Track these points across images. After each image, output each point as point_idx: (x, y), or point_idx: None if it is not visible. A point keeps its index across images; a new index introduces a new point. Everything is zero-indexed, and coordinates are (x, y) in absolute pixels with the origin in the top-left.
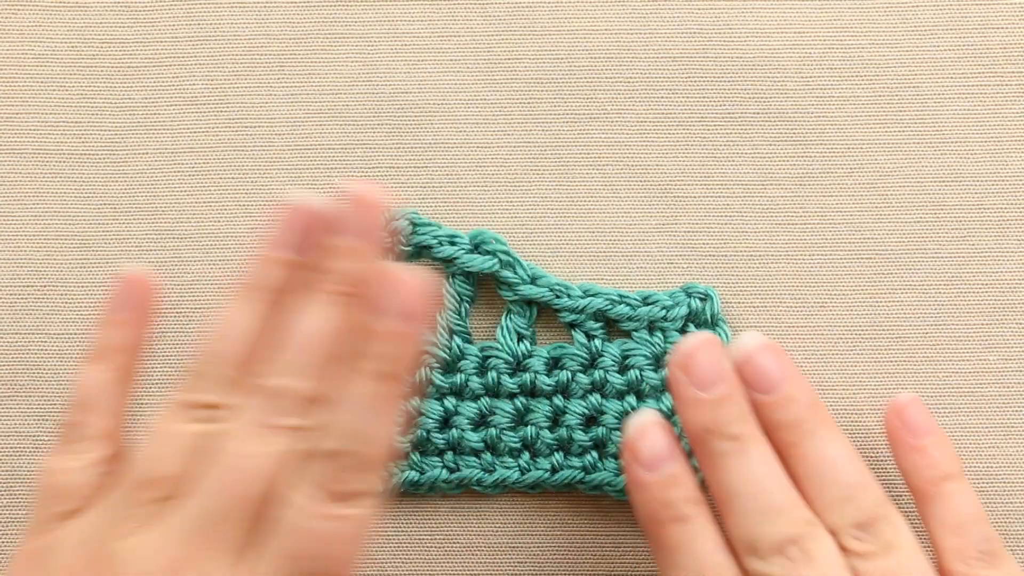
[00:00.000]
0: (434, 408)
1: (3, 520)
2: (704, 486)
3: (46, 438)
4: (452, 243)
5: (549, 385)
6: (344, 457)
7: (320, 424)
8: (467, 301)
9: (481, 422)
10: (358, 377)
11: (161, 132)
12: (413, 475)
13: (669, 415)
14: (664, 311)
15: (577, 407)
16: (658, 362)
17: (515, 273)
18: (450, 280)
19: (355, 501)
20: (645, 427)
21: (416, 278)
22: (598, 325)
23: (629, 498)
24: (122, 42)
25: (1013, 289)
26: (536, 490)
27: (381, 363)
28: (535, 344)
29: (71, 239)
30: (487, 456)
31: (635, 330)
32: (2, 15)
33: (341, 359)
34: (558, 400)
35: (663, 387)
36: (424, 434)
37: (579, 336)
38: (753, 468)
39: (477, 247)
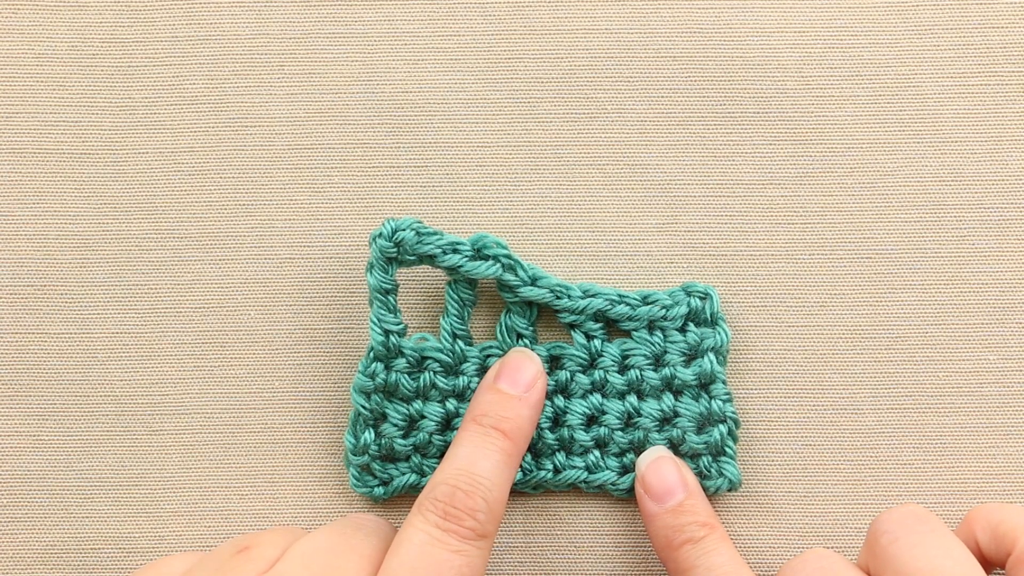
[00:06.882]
0: (436, 411)
1: (3, 520)
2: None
3: (46, 438)
4: (455, 251)
5: (549, 384)
6: (457, 492)
7: (444, 461)
8: (468, 305)
9: None
10: (475, 427)
11: (161, 132)
12: (414, 478)
13: (672, 418)
14: (664, 310)
15: (578, 407)
16: (658, 361)
17: (516, 276)
18: (453, 286)
19: (467, 540)
20: (654, 462)
21: (536, 362)
22: (598, 326)
23: (646, 531)
24: (122, 42)
25: (1013, 289)
26: (538, 491)
27: (494, 420)
28: (536, 343)
29: (71, 239)
30: None
31: (635, 330)
32: (2, 15)
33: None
34: (559, 400)
35: (663, 386)
36: (426, 437)
37: (579, 337)
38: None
39: (479, 252)
